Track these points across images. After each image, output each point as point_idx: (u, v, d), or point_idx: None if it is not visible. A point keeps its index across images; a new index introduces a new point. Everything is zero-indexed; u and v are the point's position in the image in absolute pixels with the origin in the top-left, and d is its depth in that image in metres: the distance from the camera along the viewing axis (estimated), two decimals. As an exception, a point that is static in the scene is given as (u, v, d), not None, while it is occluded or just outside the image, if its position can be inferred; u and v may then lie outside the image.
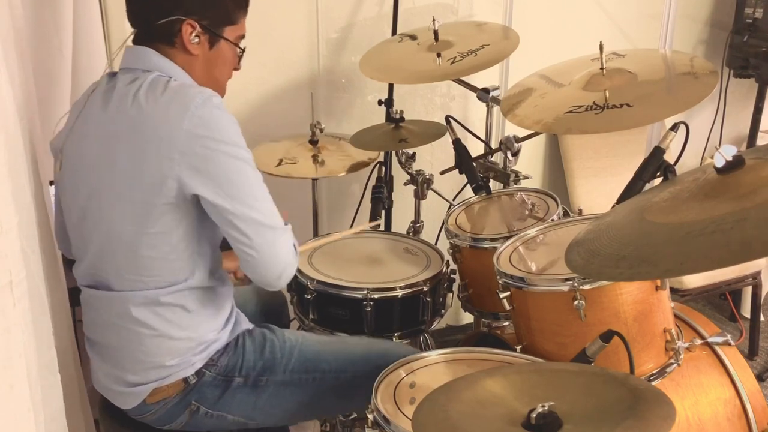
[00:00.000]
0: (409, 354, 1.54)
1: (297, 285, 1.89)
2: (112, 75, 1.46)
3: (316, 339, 1.66)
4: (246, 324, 1.60)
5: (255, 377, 1.54)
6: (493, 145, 2.38)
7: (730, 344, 1.67)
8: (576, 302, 1.43)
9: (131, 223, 1.39)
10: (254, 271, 1.41)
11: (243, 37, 1.53)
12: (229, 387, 1.52)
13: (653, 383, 1.46)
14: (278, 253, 1.40)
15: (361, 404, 1.39)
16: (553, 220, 1.81)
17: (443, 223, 1.98)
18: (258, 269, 1.41)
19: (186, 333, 1.47)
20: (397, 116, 2.23)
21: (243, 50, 1.54)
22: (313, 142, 2.28)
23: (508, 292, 1.57)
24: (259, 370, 1.54)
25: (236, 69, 1.55)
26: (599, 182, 2.87)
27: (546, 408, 1.03)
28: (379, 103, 2.46)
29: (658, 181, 1.60)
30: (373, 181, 2.33)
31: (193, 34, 1.43)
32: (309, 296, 1.82)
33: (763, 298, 2.89)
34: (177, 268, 1.44)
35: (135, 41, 1.47)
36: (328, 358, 1.60)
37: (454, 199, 2.40)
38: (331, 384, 1.59)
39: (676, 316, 1.65)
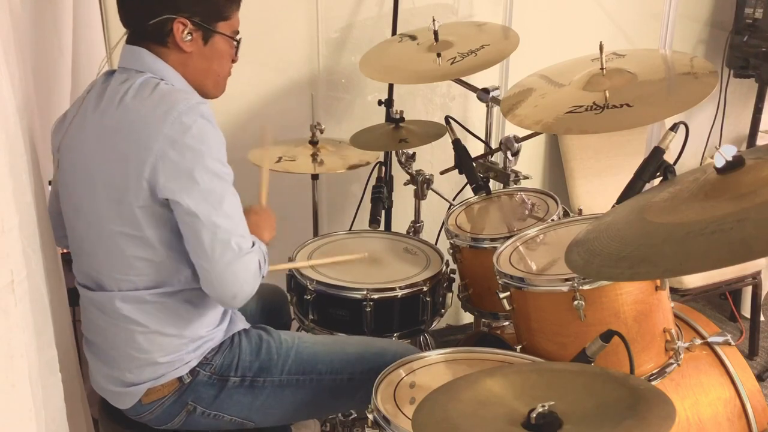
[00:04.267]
0: (407, 352, 1.54)
1: (297, 285, 1.89)
2: (110, 74, 1.47)
3: (313, 340, 1.65)
4: (242, 323, 1.60)
5: (252, 378, 1.54)
6: (493, 145, 2.38)
7: (730, 344, 1.67)
8: (576, 302, 1.43)
9: (117, 225, 1.39)
10: (209, 286, 1.39)
11: (237, 32, 1.52)
12: (225, 387, 1.52)
13: (653, 383, 1.46)
14: (235, 274, 1.37)
15: (360, 403, 1.39)
16: (553, 220, 1.81)
17: (443, 223, 1.98)
18: (212, 285, 1.38)
19: (177, 330, 1.47)
20: (397, 116, 2.23)
21: (239, 41, 1.52)
22: (313, 142, 2.27)
23: (508, 292, 1.57)
24: (256, 371, 1.54)
25: (234, 61, 1.54)
26: (599, 182, 2.87)
27: (546, 408, 1.03)
28: (379, 103, 2.46)
29: (658, 181, 1.60)
30: (373, 181, 2.33)
31: (185, 32, 1.42)
32: (309, 297, 1.82)
33: (763, 298, 2.89)
34: (164, 270, 1.44)
35: (129, 41, 1.46)
36: (325, 359, 1.59)
37: (454, 199, 2.41)
38: (329, 385, 1.59)
39: (676, 316, 1.65)
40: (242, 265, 1.37)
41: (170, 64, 1.44)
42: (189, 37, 1.43)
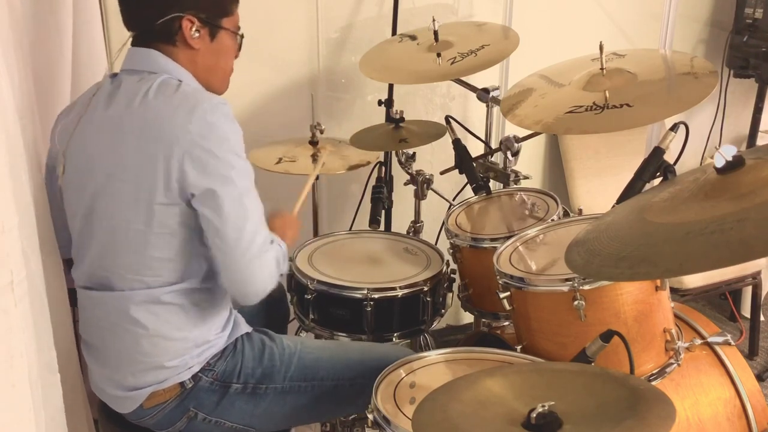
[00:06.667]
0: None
1: (297, 285, 1.89)
2: (114, 76, 1.46)
3: (315, 345, 1.65)
4: (245, 327, 1.60)
5: (254, 385, 1.54)
6: (493, 145, 2.38)
7: (730, 344, 1.67)
8: (576, 302, 1.43)
9: (138, 223, 1.39)
10: (229, 282, 1.41)
11: (239, 27, 1.53)
12: (226, 393, 1.52)
13: (653, 383, 1.46)
14: (254, 272, 1.39)
15: (362, 408, 1.39)
16: (553, 220, 1.81)
17: (443, 223, 1.98)
18: (233, 281, 1.40)
19: (183, 333, 1.47)
20: (397, 116, 2.22)
21: (242, 36, 1.54)
22: (313, 143, 2.27)
23: (508, 292, 1.57)
24: (258, 377, 1.54)
25: (236, 56, 1.55)
26: (599, 182, 2.87)
27: (546, 408, 1.03)
28: (379, 103, 2.46)
29: (658, 181, 1.60)
30: (373, 181, 2.33)
31: (194, 29, 1.43)
32: (309, 296, 1.82)
33: (763, 298, 2.89)
34: (178, 268, 1.44)
35: (136, 43, 1.46)
36: (326, 365, 1.59)
37: (454, 199, 2.40)
38: (330, 390, 1.58)
39: (676, 316, 1.65)
40: (262, 262, 1.39)
41: (180, 64, 1.45)
42: (197, 34, 1.44)
